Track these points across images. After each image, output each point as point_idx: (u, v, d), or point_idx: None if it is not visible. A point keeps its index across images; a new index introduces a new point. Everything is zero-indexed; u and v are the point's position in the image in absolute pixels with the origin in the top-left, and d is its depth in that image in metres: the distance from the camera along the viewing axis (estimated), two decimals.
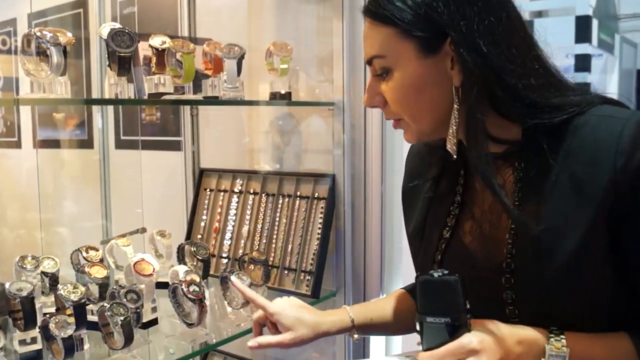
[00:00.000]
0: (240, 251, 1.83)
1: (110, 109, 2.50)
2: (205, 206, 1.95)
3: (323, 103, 1.70)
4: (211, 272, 1.68)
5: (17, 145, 3.05)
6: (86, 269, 1.41)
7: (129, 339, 1.20)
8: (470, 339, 0.86)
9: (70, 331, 1.14)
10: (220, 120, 2.07)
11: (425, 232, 1.08)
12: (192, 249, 1.57)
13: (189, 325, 1.36)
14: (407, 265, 1.17)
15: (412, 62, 0.89)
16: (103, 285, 1.41)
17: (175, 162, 2.17)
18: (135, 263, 1.44)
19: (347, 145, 1.70)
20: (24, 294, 1.24)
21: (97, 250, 1.57)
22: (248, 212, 1.86)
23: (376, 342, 1.73)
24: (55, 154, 2.78)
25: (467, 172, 1.03)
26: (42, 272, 1.45)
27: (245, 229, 1.85)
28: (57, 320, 1.14)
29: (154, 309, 1.45)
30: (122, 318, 1.19)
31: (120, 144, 2.52)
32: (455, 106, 0.89)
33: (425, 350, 0.89)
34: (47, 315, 1.16)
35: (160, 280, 1.60)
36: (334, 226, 1.71)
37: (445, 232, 1.03)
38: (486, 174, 0.89)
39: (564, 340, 0.87)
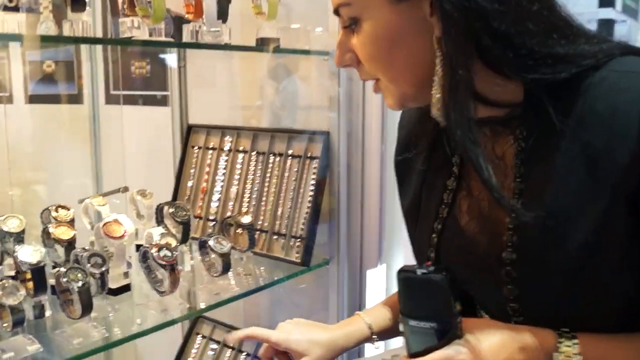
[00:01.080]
0: (229, 214, 1.70)
1: (100, 61, 2.36)
2: (193, 165, 1.82)
3: (316, 52, 1.54)
4: (198, 236, 1.55)
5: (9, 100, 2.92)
6: (50, 229, 1.28)
7: (87, 308, 1.07)
8: (459, 349, 0.73)
9: (19, 298, 1.01)
10: (210, 74, 1.92)
11: (421, 210, 0.94)
12: (171, 210, 1.44)
13: (160, 293, 1.24)
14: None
15: (383, 8, 0.75)
16: (69, 247, 1.28)
17: (164, 118, 2.03)
18: (105, 224, 1.31)
19: (343, 100, 1.55)
20: None
21: (69, 209, 1.44)
22: (237, 171, 1.72)
23: None
24: (44, 109, 2.65)
25: None
26: (7, 232, 1.33)
27: (233, 189, 1.71)
28: (4, 285, 1.02)
29: (126, 274, 1.33)
30: (79, 284, 1.06)
31: (110, 99, 2.38)
32: (438, 61, 0.74)
33: (410, 355, 0.76)
34: None
35: (139, 242, 1.48)
36: (328, 188, 1.57)
37: (441, 210, 0.89)
38: (466, 144, 0.71)
39: (576, 346, 0.73)
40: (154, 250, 1.20)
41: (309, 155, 1.59)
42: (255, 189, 1.67)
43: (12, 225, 1.34)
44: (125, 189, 1.79)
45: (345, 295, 1.62)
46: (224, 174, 1.75)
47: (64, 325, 1.15)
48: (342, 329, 1.02)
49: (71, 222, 1.40)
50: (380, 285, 1.64)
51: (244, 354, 1.80)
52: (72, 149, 2.40)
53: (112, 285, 1.27)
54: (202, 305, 1.30)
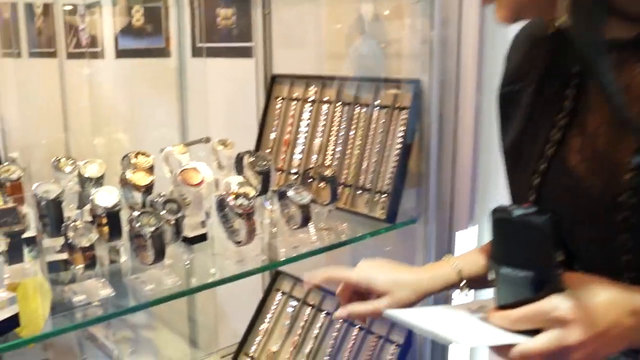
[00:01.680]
0: (311, 166, 1.62)
1: (186, 15, 2.33)
2: (276, 116, 1.75)
3: None
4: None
5: (100, 55, 2.96)
6: (128, 175, 1.25)
7: (159, 254, 1.03)
8: (557, 304, 0.62)
9: (91, 239, 0.98)
10: (295, 22, 1.83)
11: (523, 148, 0.83)
12: (251, 159, 1.37)
13: (237, 243, 1.18)
14: (505, 191, 0.92)
15: None
16: (147, 194, 1.25)
17: (248, 69, 1.96)
18: (182, 171, 1.27)
19: (437, 45, 1.42)
20: (51, 196, 1.09)
21: (148, 156, 1.41)
22: (321, 123, 1.63)
23: None
24: (134, 63, 2.66)
25: (582, 70, 0.76)
26: (87, 178, 1.31)
27: (317, 141, 1.63)
28: (77, 227, 0.98)
29: (203, 223, 1.28)
30: (151, 229, 1.02)
31: (196, 52, 2.35)
32: None
33: (499, 307, 0.66)
34: (69, 222, 1.00)
35: (219, 193, 1.43)
36: (418, 141, 1.46)
37: (547, 149, 0.78)
38: (598, 63, 0.62)
39: None
40: (230, 199, 1.14)
41: (397, 105, 1.48)
42: (340, 141, 1.58)
43: (92, 170, 1.32)
44: (207, 140, 1.75)
45: (432, 257, 1.51)
46: (307, 125, 1.67)
47: (138, 271, 1.11)
48: (429, 272, 0.95)
49: (150, 169, 1.36)
50: (470, 248, 1.53)
51: (324, 312, 1.74)
52: (159, 102, 2.40)
53: (188, 233, 1.23)
54: (281, 258, 1.24)
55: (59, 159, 1.25)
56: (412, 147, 1.45)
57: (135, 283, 1.08)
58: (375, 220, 1.45)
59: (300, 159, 1.67)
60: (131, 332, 1.97)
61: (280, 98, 1.75)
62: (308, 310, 1.76)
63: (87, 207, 1.33)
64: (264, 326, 1.83)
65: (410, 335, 1.53)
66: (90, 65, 3.06)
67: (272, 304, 1.84)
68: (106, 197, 1.12)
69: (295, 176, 1.67)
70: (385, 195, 1.45)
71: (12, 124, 3.58)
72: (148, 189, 1.24)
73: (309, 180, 1.41)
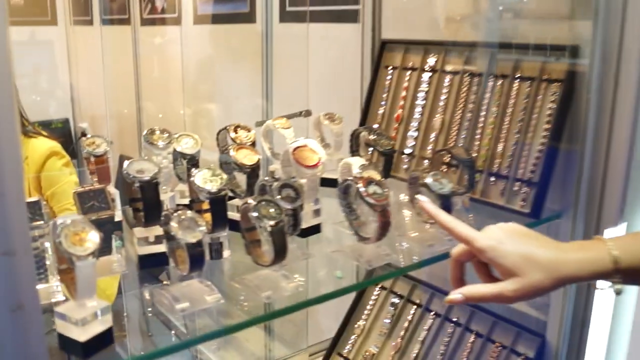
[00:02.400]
0: (430, 147, 1.39)
1: None
2: (386, 88, 1.52)
3: None
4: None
5: (177, 21, 2.78)
6: (231, 152, 1.04)
7: (280, 252, 0.82)
8: None
9: (198, 235, 0.78)
10: None
11: None
12: (371, 137, 1.15)
13: (364, 239, 0.97)
14: None
15: None
16: (252, 175, 1.04)
17: (350, 35, 1.73)
18: (296, 149, 1.06)
19: (601, 5, 1.16)
20: (146, 177, 0.90)
21: (249, 130, 1.21)
22: (442, 96, 1.40)
23: None
24: (214, 29, 2.47)
25: None
26: (180, 153, 1.11)
27: (438, 118, 1.39)
28: (181, 218, 0.78)
29: (317, 212, 1.07)
30: (272, 222, 0.81)
31: (285, 17, 2.13)
32: None
33: None
34: (171, 210, 0.80)
35: (325, 175, 1.22)
36: (570, 121, 1.21)
37: None
38: None
39: None
40: (360, 185, 0.92)
41: (544, 77, 1.23)
42: (467, 118, 1.34)
43: (187, 145, 1.12)
44: (308, 113, 1.53)
45: None
46: (425, 98, 1.43)
47: (246, 270, 0.91)
48: (576, 252, 0.74)
49: (253, 145, 1.16)
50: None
51: (432, 312, 1.52)
52: (242, 71, 2.20)
53: (303, 224, 1.02)
54: (414, 259, 1.02)
55: (153, 131, 1.05)
56: (563, 126, 1.20)
57: (244, 286, 0.87)
58: (514, 214, 1.21)
59: (416, 137, 1.43)
60: (210, 320, 1.79)
61: (391, 67, 1.51)
62: (413, 309, 1.54)
63: (180, 187, 1.14)
64: (360, 324, 1.62)
65: (543, 346, 1.30)
66: (166, 32, 2.90)
67: (369, 300, 1.63)
68: (207, 178, 0.92)
69: (408, 158, 1.44)
70: (527, 184, 1.21)
71: (82, 93, 3.46)
72: (254, 170, 1.03)
73: (439, 163, 1.18)
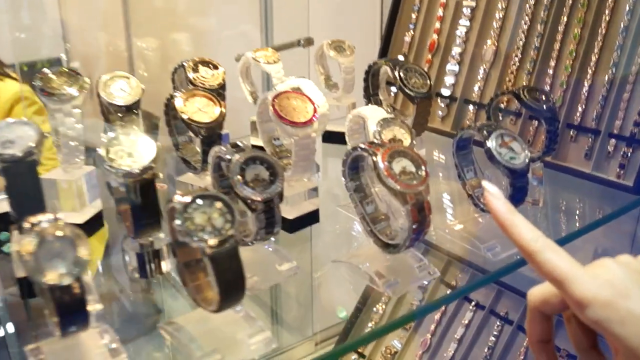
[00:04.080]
0: (477, 87, 0.99)
1: None
2: (416, 6, 1.11)
3: None
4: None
5: None
6: (177, 102, 0.67)
7: (229, 292, 0.45)
8: None
9: (67, 276, 0.40)
10: None
11: None
12: (397, 73, 0.76)
13: (386, 245, 0.59)
14: None
15: None
16: (210, 139, 0.67)
17: None
18: (278, 96, 0.67)
19: None
20: (12, 152, 0.52)
21: (216, 67, 0.82)
22: (497, 14, 0.99)
23: None
24: None
25: None
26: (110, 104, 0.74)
27: (489, 46, 0.99)
28: (45, 237, 0.41)
29: (313, 193, 0.70)
30: (213, 241, 0.44)
31: None
32: None
33: None
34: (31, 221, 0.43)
35: (330, 129, 0.85)
36: None
37: None
38: None
39: None
40: (379, 159, 0.54)
41: None
42: (533, 45, 0.94)
43: (119, 92, 0.75)
44: (308, 42, 1.13)
45: None
46: (470, 19, 1.03)
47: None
48: None
49: (219, 91, 0.78)
50: None
51: (473, 302, 1.15)
52: None
53: (289, 212, 0.65)
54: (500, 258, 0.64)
55: (60, 73, 0.68)
56: None
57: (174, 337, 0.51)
58: (606, 186, 0.82)
59: (457, 74, 1.03)
60: None
61: None
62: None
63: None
64: (377, 308, 1.26)
65: None
66: None
67: None
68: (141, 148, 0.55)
69: (445, 103, 1.04)
70: (627, 142, 0.82)
71: (74, 30, 3.09)
72: (211, 130, 0.66)
73: (496, 111, 0.79)
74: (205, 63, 0.83)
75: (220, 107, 0.69)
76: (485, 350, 1.09)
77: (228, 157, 0.56)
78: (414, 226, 0.55)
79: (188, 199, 0.45)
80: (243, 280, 0.46)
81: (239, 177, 0.55)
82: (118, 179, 0.55)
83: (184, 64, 0.82)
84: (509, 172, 0.61)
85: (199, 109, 0.68)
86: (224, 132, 0.90)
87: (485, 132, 0.63)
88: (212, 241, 0.44)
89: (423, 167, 0.55)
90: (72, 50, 3.17)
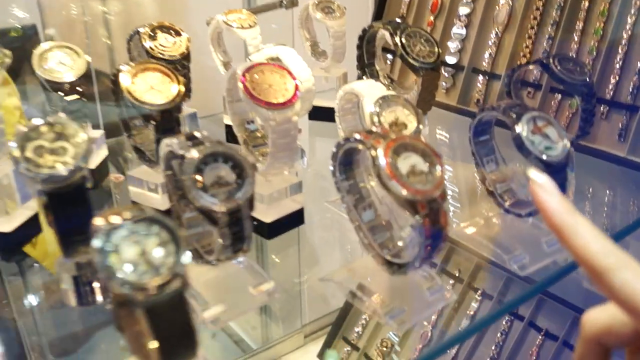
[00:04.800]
0: (487, 54, 0.86)
1: None
2: None
3: None
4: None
5: None
6: (124, 79, 0.53)
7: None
8: None
9: None
10: None
11: None
12: (399, 39, 0.62)
13: (389, 265, 0.46)
14: None
15: None
16: (165, 125, 0.53)
17: None
18: (250, 70, 0.53)
19: None
20: None
21: (179, 33, 0.68)
22: None
23: None
24: None
25: None
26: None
27: (502, 6, 0.85)
28: None
29: (295, 189, 0.57)
30: (155, 282, 0.30)
31: None
32: None
33: None
34: None
35: (317, 104, 0.72)
36: None
37: None
38: None
39: None
40: (379, 155, 0.40)
41: None
42: (556, 5, 0.79)
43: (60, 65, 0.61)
44: (292, 3, 0.99)
45: None
46: None
47: None
48: None
49: (182, 63, 0.64)
50: None
51: (479, 291, 1.04)
52: None
53: (265, 215, 0.52)
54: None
55: None
56: None
57: None
58: None
59: (464, 39, 0.89)
60: None
61: None
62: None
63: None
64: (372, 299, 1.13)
65: None
66: None
67: None
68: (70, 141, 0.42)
69: (452, 71, 0.90)
70: None
71: None
72: (166, 115, 0.52)
73: (518, 88, 0.65)
74: (166, 29, 0.69)
75: (179, 84, 0.55)
76: (493, 348, 0.98)
77: (181, 152, 0.43)
78: (426, 242, 0.42)
79: (113, 223, 0.32)
80: (192, 335, 0.33)
81: (195, 180, 0.41)
82: (36, 185, 0.42)
83: (140, 30, 0.68)
84: (544, 165, 0.48)
85: (151, 87, 0.54)
86: (191, 111, 0.76)
87: (513, 114, 0.49)
88: (149, 283, 0.30)
89: (438, 165, 0.42)
90: (48, 15, 2.98)
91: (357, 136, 0.43)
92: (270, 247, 0.57)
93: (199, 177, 0.42)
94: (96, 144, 0.69)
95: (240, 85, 0.52)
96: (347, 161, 0.47)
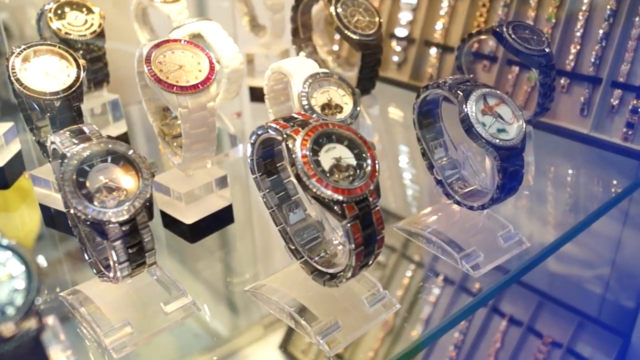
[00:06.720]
0: (439, 25, 0.79)
1: None
2: None
3: None
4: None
5: None
6: (15, 64, 0.45)
7: None
8: None
9: None
10: None
11: None
12: (334, 9, 0.55)
13: (320, 274, 0.40)
14: None
15: None
16: (59, 112, 0.45)
17: None
18: (156, 47, 0.46)
19: None
20: None
21: (91, 11, 0.60)
22: None
23: None
24: None
25: None
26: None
27: None
28: None
29: (220, 182, 0.50)
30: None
31: None
32: None
33: None
34: None
35: (256, 84, 0.66)
36: None
37: None
38: None
39: None
40: (296, 148, 0.34)
41: None
42: None
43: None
44: None
45: None
46: None
47: None
48: None
49: (97, 44, 0.57)
50: None
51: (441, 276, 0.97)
52: None
53: (186, 217, 0.46)
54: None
55: None
56: None
57: None
58: (611, 152, 0.64)
59: (415, 9, 0.83)
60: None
61: None
62: (410, 268, 1.00)
63: None
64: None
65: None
66: None
67: None
68: None
69: (403, 43, 0.83)
70: (636, 95, 0.63)
71: None
72: (64, 105, 0.44)
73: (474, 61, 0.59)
74: (75, 5, 0.61)
75: (79, 68, 0.47)
76: (456, 336, 0.93)
77: (65, 151, 0.36)
78: (356, 250, 0.35)
79: None
80: None
81: (76, 184, 0.34)
82: None
83: (45, 8, 0.60)
84: (496, 151, 0.42)
85: (46, 73, 0.47)
86: (112, 98, 0.68)
87: (459, 91, 0.43)
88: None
89: (369, 158, 0.35)
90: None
91: (273, 124, 0.36)
92: (193, 253, 0.50)
93: (81, 180, 0.34)
94: (4, 138, 0.61)
95: (146, 68, 0.45)
96: (267, 154, 0.40)
